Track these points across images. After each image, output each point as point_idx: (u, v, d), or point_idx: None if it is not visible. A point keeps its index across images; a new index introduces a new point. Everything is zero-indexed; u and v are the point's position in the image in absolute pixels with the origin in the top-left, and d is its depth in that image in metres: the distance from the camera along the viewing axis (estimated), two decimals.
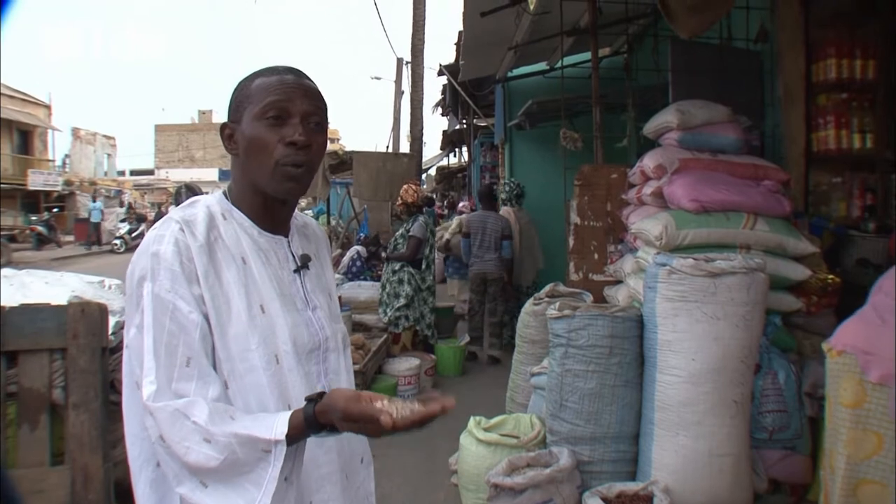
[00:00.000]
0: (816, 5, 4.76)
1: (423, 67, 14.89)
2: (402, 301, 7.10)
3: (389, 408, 1.24)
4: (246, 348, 1.38)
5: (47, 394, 3.22)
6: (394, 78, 20.33)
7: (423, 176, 22.62)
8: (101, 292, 3.85)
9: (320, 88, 1.52)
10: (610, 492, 3.28)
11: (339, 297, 7.08)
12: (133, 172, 49.58)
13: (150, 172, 49.72)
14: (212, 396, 1.31)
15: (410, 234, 7.26)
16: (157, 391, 1.28)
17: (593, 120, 5.45)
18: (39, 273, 4.22)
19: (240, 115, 1.45)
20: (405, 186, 7.60)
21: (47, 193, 30.86)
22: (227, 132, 1.49)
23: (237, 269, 1.41)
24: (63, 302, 3.38)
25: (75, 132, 39.45)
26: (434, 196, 22.98)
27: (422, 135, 15.38)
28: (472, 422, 3.84)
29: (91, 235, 26.49)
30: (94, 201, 28.60)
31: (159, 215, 13.60)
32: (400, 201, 7.56)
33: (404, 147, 18.87)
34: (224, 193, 1.53)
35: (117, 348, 3.40)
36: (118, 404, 1.45)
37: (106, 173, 42.32)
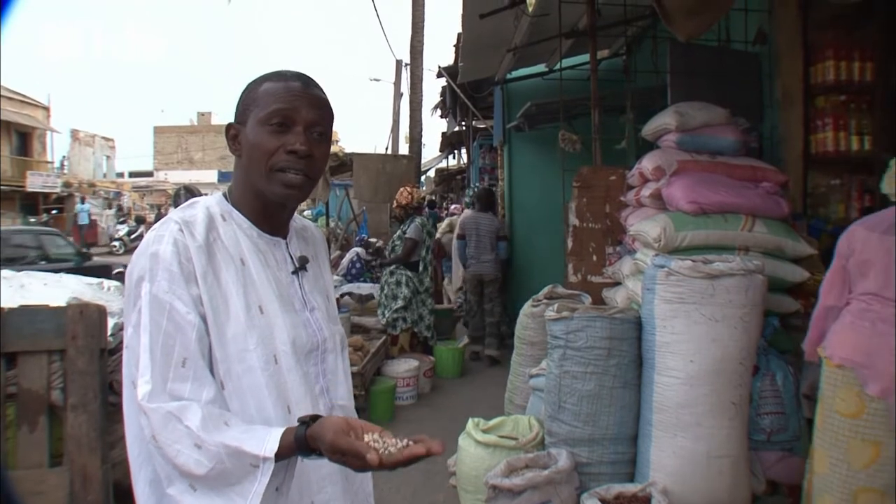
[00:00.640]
0: (815, 7, 4.77)
1: (422, 69, 14.92)
2: (400, 303, 7.11)
3: (378, 444, 1.23)
4: (244, 348, 1.38)
5: (46, 395, 3.22)
6: (393, 80, 20.33)
7: (423, 178, 22.64)
8: (99, 294, 3.86)
9: (328, 95, 1.53)
10: (608, 493, 3.28)
11: (339, 299, 7.11)
12: (132, 174, 49.52)
13: (149, 174, 49.68)
14: (207, 398, 1.31)
15: (406, 235, 7.27)
16: (151, 391, 1.28)
17: (592, 122, 5.45)
18: (38, 275, 4.23)
19: (245, 118, 1.46)
20: (400, 189, 7.64)
21: (46, 195, 30.82)
22: (232, 133, 1.50)
23: (236, 270, 1.42)
24: (62, 303, 3.38)
25: (74, 134, 39.42)
26: (435, 198, 22.98)
27: (421, 136, 15.42)
28: (470, 423, 3.84)
29: (83, 237, 25.82)
30: (83, 203, 28.32)
31: (159, 217, 13.59)
32: (395, 203, 7.60)
33: (403, 149, 18.90)
34: (224, 195, 1.54)
35: (116, 350, 3.41)
36: (117, 405, 1.46)
37: (105, 175, 42.28)
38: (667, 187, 4.01)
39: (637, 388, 3.55)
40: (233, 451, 1.26)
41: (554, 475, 3.27)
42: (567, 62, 7.10)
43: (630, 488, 3.30)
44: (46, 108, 34.06)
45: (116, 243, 25.29)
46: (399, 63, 19.43)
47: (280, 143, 1.43)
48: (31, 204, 29.82)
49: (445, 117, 15.59)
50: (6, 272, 4.28)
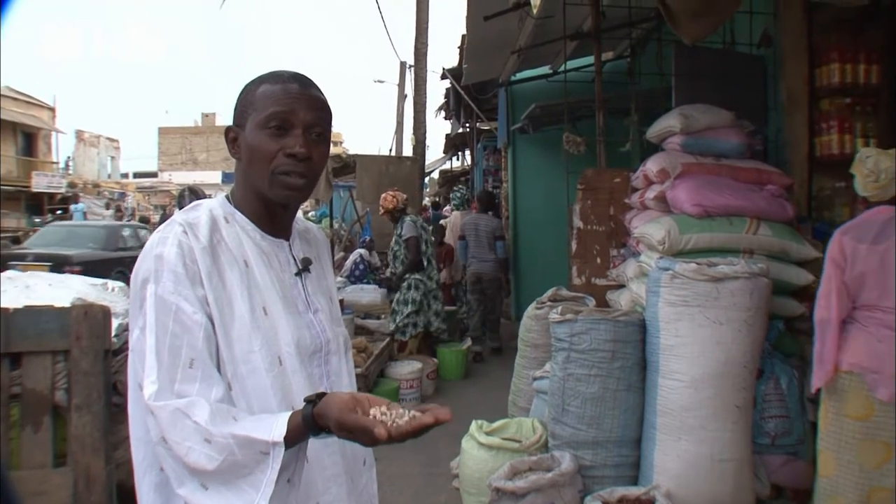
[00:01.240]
0: (819, 10, 4.76)
1: (426, 71, 14.91)
2: (411, 307, 7.07)
3: (385, 417, 1.22)
4: (249, 350, 1.38)
5: (50, 395, 3.23)
6: (397, 81, 20.36)
7: (426, 179, 22.64)
8: (104, 294, 3.86)
9: (325, 94, 1.52)
10: (612, 496, 3.27)
11: (342, 301, 7.10)
12: (136, 175, 49.66)
13: (154, 175, 49.81)
14: (215, 398, 1.30)
15: (404, 236, 7.22)
16: (158, 391, 1.28)
17: (596, 124, 5.45)
18: (43, 275, 4.23)
19: (244, 121, 1.46)
20: (383, 195, 7.65)
21: (51, 195, 30.89)
22: (232, 136, 1.49)
23: (240, 272, 1.42)
24: (66, 304, 3.38)
25: (79, 135, 39.54)
26: (439, 199, 22.97)
27: (425, 138, 15.39)
28: (473, 425, 3.83)
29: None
30: (77, 202, 28.00)
31: (164, 218, 13.64)
32: (382, 210, 7.63)
33: (407, 150, 18.87)
34: (227, 197, 1.53)
35: (120, 350, 3.42)
36: (120, 406, 1.45)
37: (109, 176, 42.41)
38: (671, 190, 4.00)
39: (641, 390, 3.54)
40: (242, 440, 1.25)
41: (557, 478, 3.26)
42: (571, 64, 7.09)
43: (634, 491, 3.29)
44: (52, 109, 34.16)
45: None
46: (403, 65, 19.44)
47: (279, 146, 1.42)
48: (36, 204, 29.91)
49: (449, 119, 15.60)
50: (11, 272, 4.29)
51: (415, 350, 7.19)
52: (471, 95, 11.52)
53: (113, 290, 3.97)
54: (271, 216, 1.51)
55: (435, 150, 26.70)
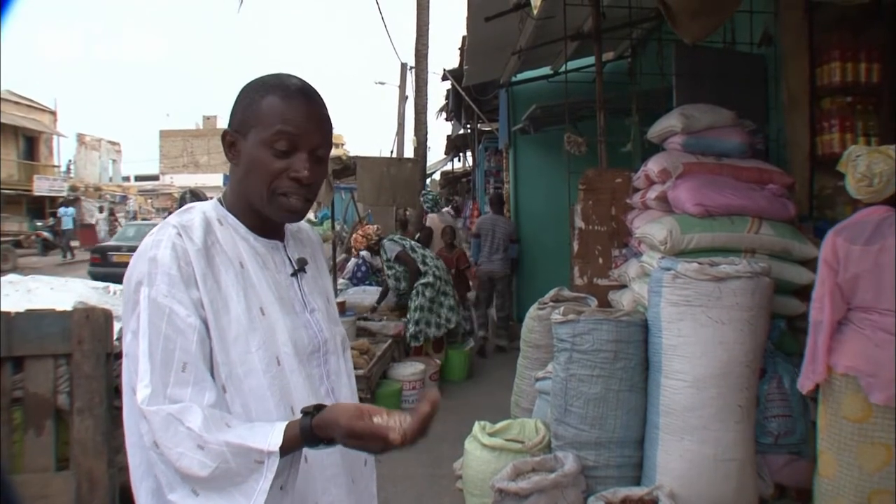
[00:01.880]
0: (820, 9, 4.76)
1: (426, 72, 14.91)
2: (417, 314, 7.05)
3: (394, 423, 1.22)
4: (246, 351, 1.37)
5: (52, 399, 3.23)
6: (398, 83, 20.35)
7: (428, 181, 22.64)
8: (105, 298, 3.87)
9: (326, 100, 1.50)
10: (615, 497, 3.27)
11: (343, 303, 7.08)
12: (138, 178, 49.68)
13: (155, 178, 49.83)
14: (208, 402, 1.30)
15: (391, 257, 7.24)
16: (151, 395, 1.27)
17: (597, 124, 5.45)
18: (45, 279, 4.24)
19: (245, 129, 1.43)
20: (353, 237, 7.71)
21: (53, 199, 30.91)
22: (230, 140, 1.46)
23: (235, 273, 1.41)
24: (68, 307, 3.39)
25: (80, 138, 39.58)
26: (440, 200, 22.99)
27: (426, 139, 15.39)
28: (476, 427, 3.83)
29: (65, 241, 24.92)
30: (67, 206, 27.11)
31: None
32: (356, 252, 7.68)
33: (409, 152, 18.87)
34: (219, 200, 1.52)
35: (122, 354, 3.41)
36: (122, 410, 1.44)
37: (111, 179, 42.45)
38: (673, 190, 4.00)
39: (643, 391, 3.54)
40: (236, 448, 1.24)
41: (560, 479, 3.26)
42: (572, 65, 7.09)
43: (637, 492, 3.29)
44: (53, 113, 34.22)
45: None
46: (404, 66, 19.44)
47: (284, 167, 1.41)
48: (37, 208, 29.97)
49: (450, 120, 15.62)
50: (13, 276, 4.29)
51: (430, 348, 7.20)
52: (472, 96, 11.52)
53: (115, 293, 3.98)
54: (263, 222, 1.50)
55: (436, 151, 26.73)
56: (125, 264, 1.44)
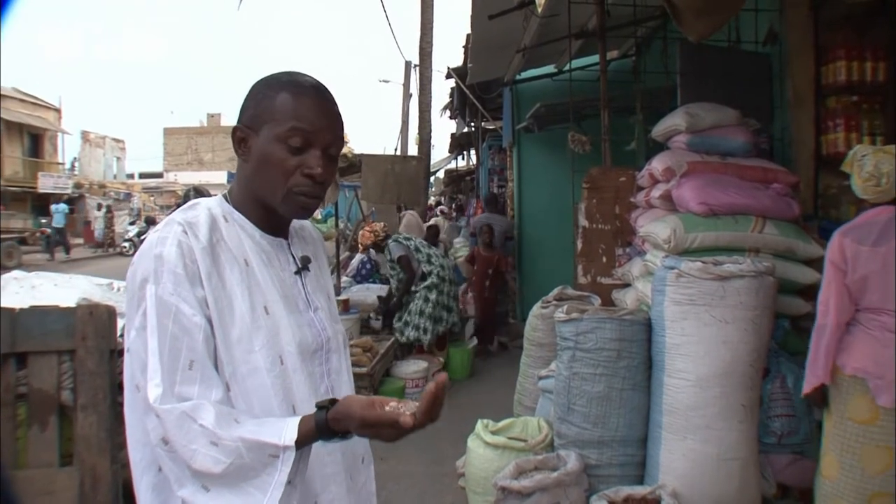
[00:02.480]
0: (826, 7, 4.74)
1: (431, 70, 14.93)
2: (418, 319, 7.05)
3: (402, 408, 1.26)
4: (249, 350, 1.37)
5: (56, 395, 3.24)
6: (402, 81, 20.37)
7: (432, 179, 22.64)
8: (109, 294, 3.87)
9: (333, 92, 1.51)
10: (617, 495, 3.27)
11: (347, 300, 7.07)
12: (142, 175, 49.68)
13: (159, 175, 49.86)
14: (215, 399, 1.30)
15: (395, 258, 7.20)
16: (163, 394, 1.27)
17: (601, 123, 5.44)
18: (49, 275, 4.25)
19: (257, 125, 1.43)
20: (361, 233, 7.63)
21: (57, 196, 30.98)
22: (240, 136, 1.46)
23: (240, 271, 1.40)
24: (72, 304, 3.40)
25: (85, 135, 39.61)
26: (443, 199, 22.98)
27: (430, 137, 15.42)
28: (479, 425, 3.83)
29: (57, 239, 24.50)
30: (59, 203, 26.75)
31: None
32: (362, 248, 7.63)
33: (412, 150, 18.88)
34: (224, 196, 1.52)
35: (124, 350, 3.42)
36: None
37: (115, 176, 42.46)
38: (677, 188, 3.99)
39: (647, 389, 3.54)
40: (251, 443, 1.25)
41: (563, 477, 3.26)
42: (576, 63, 7.09)
43: (639, 490, 3.29)
44: (58, 110, 34.24)
45: (126, 244, 25.42)
46: (408, 64, 19.46)
47: (297, 164, 1.41)
48: (42, 205, 29.98)
49: (454, 118, 15.61)
50: (18, 273, 4.31)
51: (433, 348, 7.21)
52: (476, 95, 11.51)
53: (118, 289, 3.99)
54: (270, 218, 1.49)
55: (440, 149, 26.76)
56: None
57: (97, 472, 3.22)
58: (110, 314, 3.32)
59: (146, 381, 1.29)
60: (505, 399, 5.25)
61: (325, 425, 1.28)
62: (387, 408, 1.26)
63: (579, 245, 5.07)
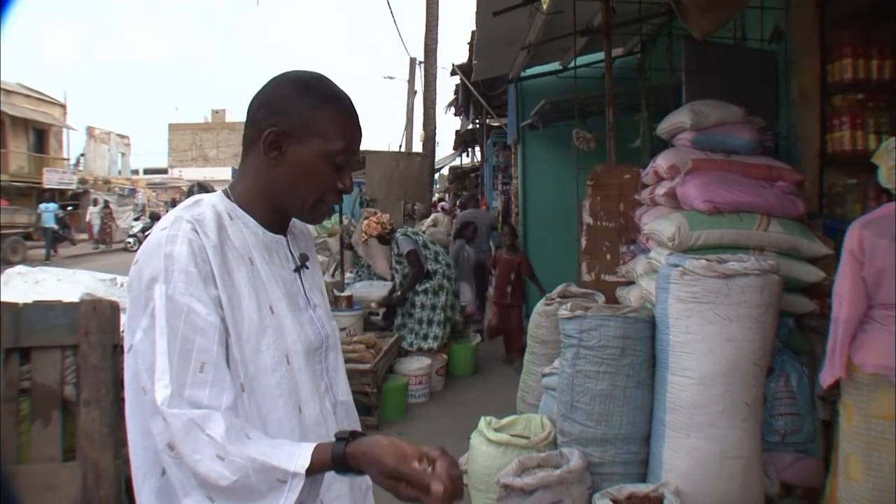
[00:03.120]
0: (832, 5, 4.72)
1: (435, 67, 14.93)
2: (437, 329, 7.04)
3: (438, 475, 1.18)
4: (256, 350, 1.36)
5: (59, 390, 3.24)
6: (407, 77, 20.34)
7: (436, 175, 22.62)
8: (112, 290, 3.88)
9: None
10: (620, 493, 3.26)
11: (350, 297, 7.05)
12: (147, 171, 49.87)
13: (164, 171, 50.02)
14: (226, 403, 1.26)
15: (403, 252, 7.12)
16: (171, 396, 1.23)
17: (606, 120, 5.43)
18: (52, 270, 4.25)
19: (301, 136, 1.40)
20: (366, 223, 7.49)
21: (62, 192, 31.04)
22: (275, 140, 1.41)
23: (247, 270, 1.39)
24: (75, 299, 3.40)
25: (90, 131, 39.72)
26: (447, 197, 22.96)
27: (435, 134, 15.42)
28: (482, 422, 3.83)
29: (52, 237, 24.09)
30: (49, 202, 26.00)
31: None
32: (365, 237, 7.52)
33: (417, 147, 18.88)
34: (225, 192, 1.49)
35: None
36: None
37: (120, 172, 42.58)
38: (681, 186, 3.98)
39: (650, 387, 3.53)
40: (260, 465, 1.21)
41: (566, 475, 3.25)
42: (581, 60, 7.07)
43: (642, 489, 3.28)
44: (63, 106, 34.35)
45: (130, 240, 25.48)
46: (413, 61, 19.44)
47: (336, 180, 1.45)
48: (47, 200, 30.09)
49: (459, 115, 15.61)
50: (22, 268, 4.31)
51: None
52: (480, 91, 11.50)
53: (122, 285, 3.99)
54: (276, 217, 1.49)
55: (445, 146, 26.73)
56: None
57: (100, 466, 3.22)
58: (113, 309, 3.32)
59: (153, 382, 1.24)
60: (508, 396, 5.24)
61: (342, 459, 1.23)
62: (415, 463, 1.19)
63: (583, 242, 5.06)
